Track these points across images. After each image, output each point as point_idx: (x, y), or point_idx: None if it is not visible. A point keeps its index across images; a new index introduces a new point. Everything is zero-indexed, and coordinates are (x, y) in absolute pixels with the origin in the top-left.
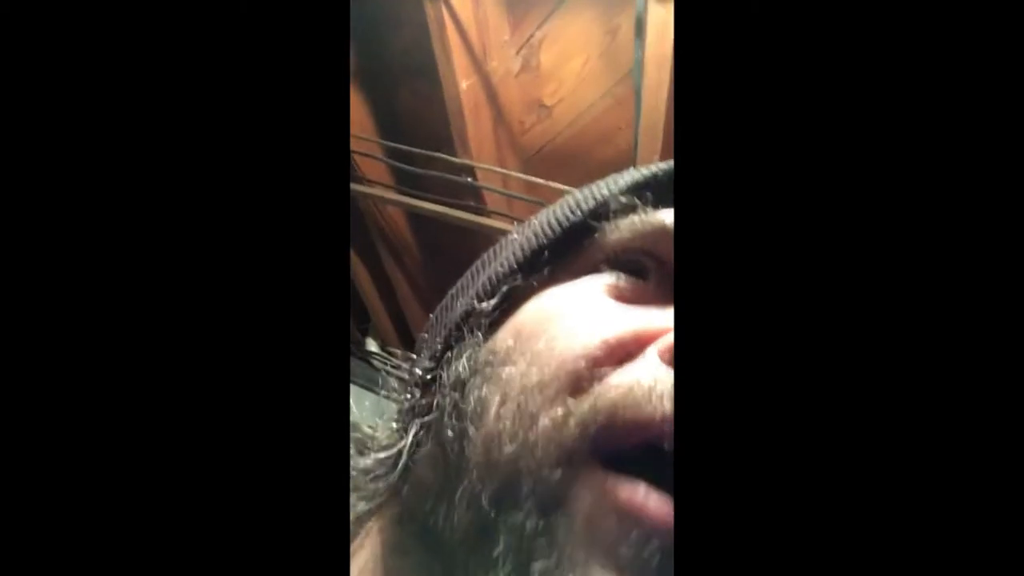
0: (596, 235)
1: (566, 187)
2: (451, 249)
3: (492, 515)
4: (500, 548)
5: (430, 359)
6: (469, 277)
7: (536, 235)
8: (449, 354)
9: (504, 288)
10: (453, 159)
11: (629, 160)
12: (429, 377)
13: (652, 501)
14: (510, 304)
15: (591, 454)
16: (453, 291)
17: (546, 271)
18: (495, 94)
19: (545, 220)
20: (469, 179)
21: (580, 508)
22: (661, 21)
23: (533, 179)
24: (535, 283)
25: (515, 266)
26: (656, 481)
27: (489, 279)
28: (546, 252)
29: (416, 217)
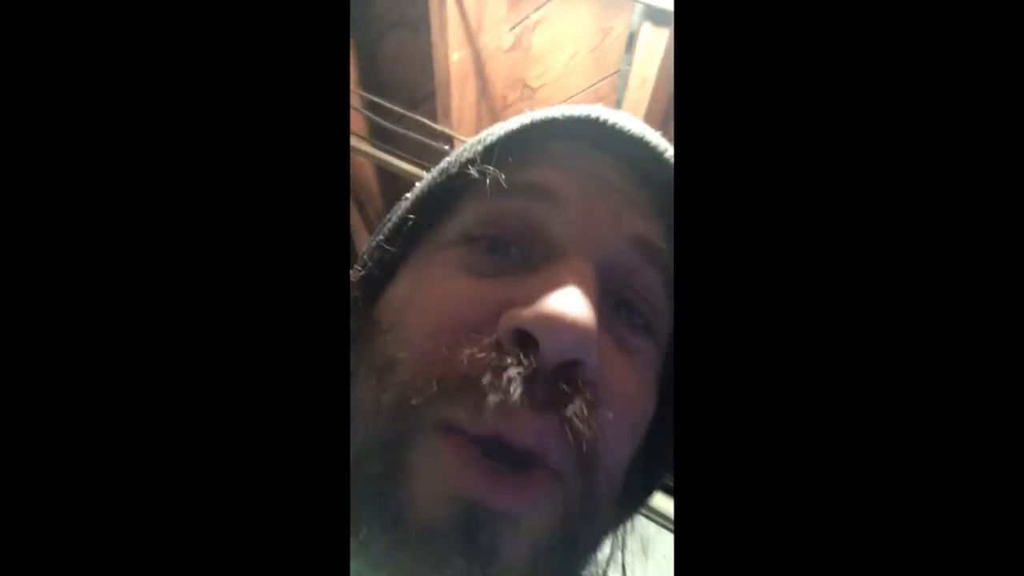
0: (456, 206)
1: None
2: None
3: (380, 458)
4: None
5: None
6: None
7: (406, 199)
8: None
9: (377, 256)
10: (434, 125)
11: None
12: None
13: (474, 466)
14: (384, 273)
15: (436, 422)
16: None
17: (412, 241)
18: (483, 67)
19: (417, 186)
20: (447, 147)
21: (416, 465)
22: (651, 42)
23: None
24: (406, 252)
25: (387, 234)
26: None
27: (373, 246)
28: (410, 220)
29: (383, 171)
